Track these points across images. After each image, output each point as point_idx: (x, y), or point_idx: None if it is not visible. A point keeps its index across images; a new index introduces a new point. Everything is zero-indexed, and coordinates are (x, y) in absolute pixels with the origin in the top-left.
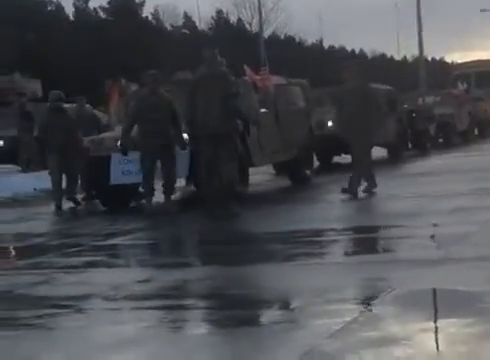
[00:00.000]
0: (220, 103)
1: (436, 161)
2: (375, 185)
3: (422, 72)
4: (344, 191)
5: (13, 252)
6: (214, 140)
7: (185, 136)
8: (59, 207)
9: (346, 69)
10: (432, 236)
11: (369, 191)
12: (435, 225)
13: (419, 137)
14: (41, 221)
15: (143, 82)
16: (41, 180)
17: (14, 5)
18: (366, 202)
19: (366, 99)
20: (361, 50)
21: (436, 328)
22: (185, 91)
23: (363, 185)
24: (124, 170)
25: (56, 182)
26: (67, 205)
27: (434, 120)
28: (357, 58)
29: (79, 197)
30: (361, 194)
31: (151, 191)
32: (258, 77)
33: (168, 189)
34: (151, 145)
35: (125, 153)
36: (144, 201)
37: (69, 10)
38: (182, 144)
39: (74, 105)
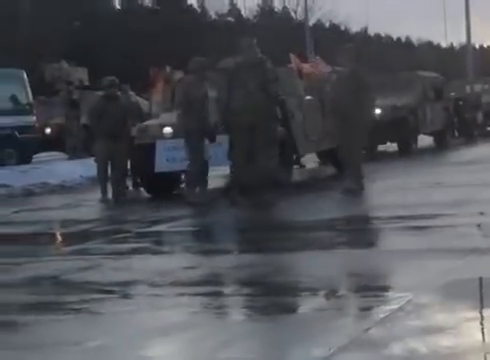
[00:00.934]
0: (258, 91)
1: (483, 149)
2: (362, 187)
3: (469, 60)
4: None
5: (60, 238)
6: (252, 128)
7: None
8: (105, 194)
9: (340, 54)
10: (479, 225)
11: (350, 190)
12: (482, 214)
13: (466, 125)
14: (87, 208)
15: (189, 68)
16: (87, 167)
17: None
18: (411, 190)
19: (359, 87)
20: (407, 38)
21: (483, 318)
22: (222, 79)
23: (346, 182)
24: (169, 157)
25: (102, 170)
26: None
27: (481, 108)
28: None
29: (128, 184)
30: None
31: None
32: (306, 65)
33: (202, 179)
34: (198, 133)
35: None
36: (184, 188)
37: None
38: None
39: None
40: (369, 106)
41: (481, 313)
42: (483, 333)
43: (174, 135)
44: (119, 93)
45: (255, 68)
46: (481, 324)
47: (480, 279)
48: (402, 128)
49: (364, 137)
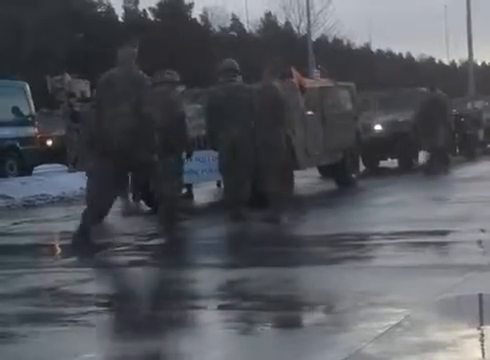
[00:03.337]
0: (131, 113)
1: (484, 167)
2: (278, 220)
3: (471, 77)
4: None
5: (59, 250)
6: (120, 155)
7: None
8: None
9: (264, 68)
10: (479, 241)
11: (273, 220)
12: (482, 231)
13: (467, 142)
14: None
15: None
16: None
17: (64, 6)
18: (411, 206)
19: (274, 106)
20: (408, 54)
21: (482, 334)
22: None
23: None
24: None
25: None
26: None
27: (483, 125)
28: None
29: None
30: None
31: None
32: (307, 79)
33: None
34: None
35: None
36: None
37: (119, 11)
38: None
39: None
40: (280, 126)
41: (480, 330)
42: (482, 350)
43: None
44: None
45: (129, 85)
46: (480, 341)
47: (480, 296)
48: (403, 144)
49: (278, 159)
